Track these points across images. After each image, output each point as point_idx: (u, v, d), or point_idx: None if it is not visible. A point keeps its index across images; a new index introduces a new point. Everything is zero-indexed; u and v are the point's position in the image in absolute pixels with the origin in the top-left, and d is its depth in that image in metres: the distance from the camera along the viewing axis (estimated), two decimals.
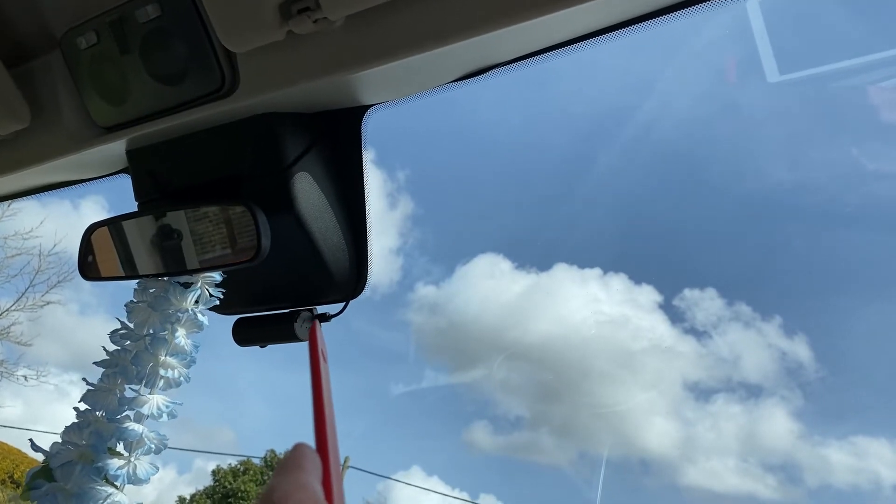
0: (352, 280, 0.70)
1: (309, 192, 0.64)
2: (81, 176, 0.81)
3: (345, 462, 13.47)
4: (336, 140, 0.67)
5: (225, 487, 12.43)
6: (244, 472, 12.74)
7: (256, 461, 13.20)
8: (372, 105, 0.64)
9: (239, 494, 12.20)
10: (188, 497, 12.82)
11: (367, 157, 0.67)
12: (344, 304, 0.72)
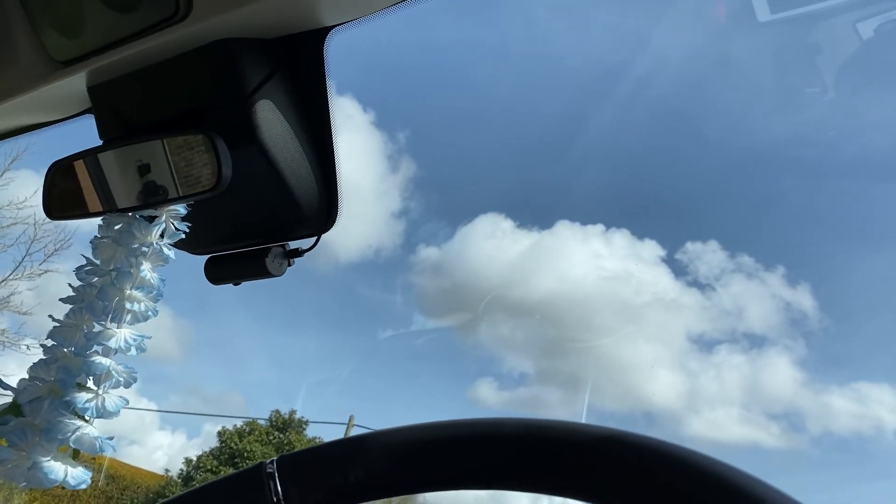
0: (322, 213, 0.69)
1: (272, 121, 0.63)
2: (45, 118, 0.79)
3: (350, 420, 13.66)
4: (298, 66, 0.65)
5: (231, 448, 12.62)
6: (249, 433, 12.93)
7: (262, 422, 13.39)
8: (333, 27, 0.62)
9: (245, 454, 12.39)
10: (195, 458, 13.03)
11: (331, 84, 0.65)
12: (316, 238, 0.71)
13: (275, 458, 0.41)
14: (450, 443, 0.37)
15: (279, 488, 0.40)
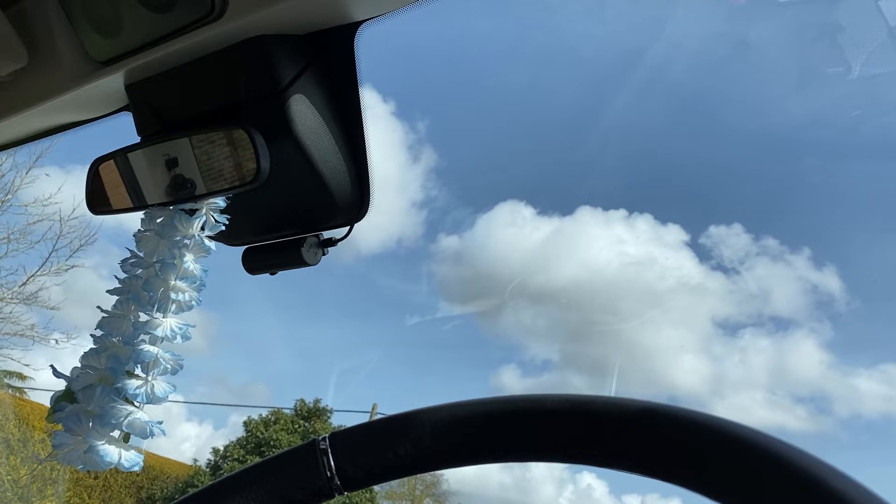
0: (355, 203, 0.71)
1: (306, 115, 0.64)
2: (84, 116, 0.81)
3: (373, 409, 13.77)
4: (329, 61, 0.67)
5: (257, 437, 12.78)
6: (275, 422, 13.07)
7: (287, 412, 13.53)
8: (363, 21, 0.64)
9: (271, 443, 12.54)
10: (222, 448, 13.21)
11: (362, 77, 0.67)
12: (349, 228, 0.73)
13: (327, 434, 0.43)
14: (494, 417, 0.39)
15: (332, 463, 0.42)
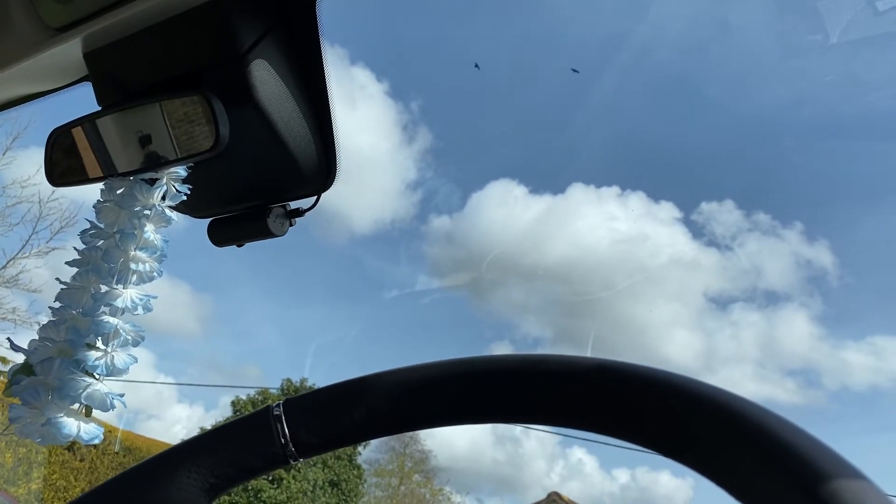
0: (321, 172, 0.70)
1: (267, 81, 0.63)
2: (41, 87, 0.79)
3: None
4: (292, 23, 0.65)
5: None
6: (262, 402, 13.11)
7: (274, 391, 13.56)
8: None
9: None
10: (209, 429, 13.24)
11: (325, 42, 0.65)
12: (316, 197, 0.72)
13: (281, 401, 0.43)
14: (451, 379, 0.38)
15: (286, 430, 0.41)
